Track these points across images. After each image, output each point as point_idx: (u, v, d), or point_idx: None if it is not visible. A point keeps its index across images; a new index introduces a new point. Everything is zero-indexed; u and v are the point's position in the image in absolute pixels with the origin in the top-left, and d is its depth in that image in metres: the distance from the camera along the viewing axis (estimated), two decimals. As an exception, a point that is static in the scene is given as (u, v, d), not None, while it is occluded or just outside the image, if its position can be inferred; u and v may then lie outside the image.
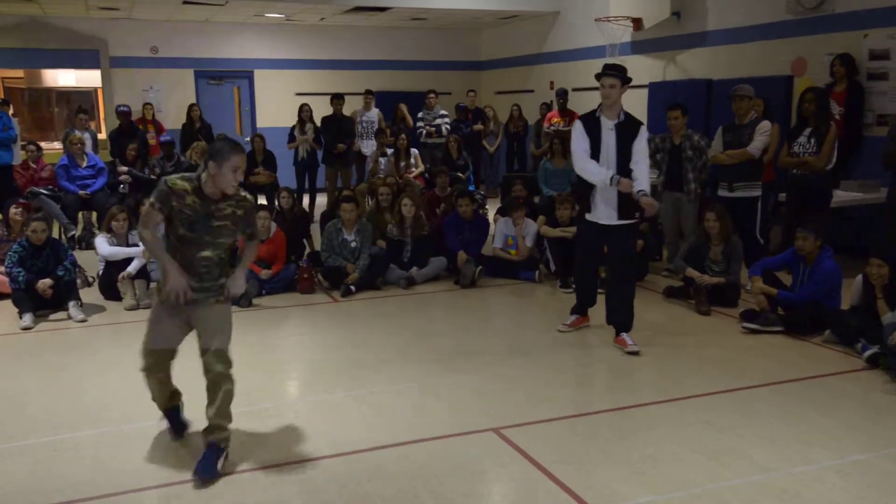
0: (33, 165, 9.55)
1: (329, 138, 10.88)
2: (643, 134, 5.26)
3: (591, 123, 5.24)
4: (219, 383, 3.61)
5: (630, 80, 5.27)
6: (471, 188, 10.07)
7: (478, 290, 7.25)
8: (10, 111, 10.70)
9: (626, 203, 5.19)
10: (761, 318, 5.76)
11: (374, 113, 11.62)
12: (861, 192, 7.52)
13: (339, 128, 10.93)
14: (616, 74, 5.17)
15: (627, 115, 5.28)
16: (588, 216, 5.37)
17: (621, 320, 5.49)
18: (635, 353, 5.26)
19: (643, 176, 5.18)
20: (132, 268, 6.64)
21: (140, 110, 12.30)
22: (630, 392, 4.58)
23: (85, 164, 9.59)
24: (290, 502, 3.32)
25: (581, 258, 5.75)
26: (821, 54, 8.42)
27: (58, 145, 13.06)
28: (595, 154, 5.19)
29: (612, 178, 5.10)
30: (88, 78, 15.11)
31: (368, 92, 11.80)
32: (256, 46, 14.58)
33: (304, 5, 12.43)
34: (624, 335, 5.43)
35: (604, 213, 5.27)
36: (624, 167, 5.15)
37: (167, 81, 14.12)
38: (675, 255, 7.17)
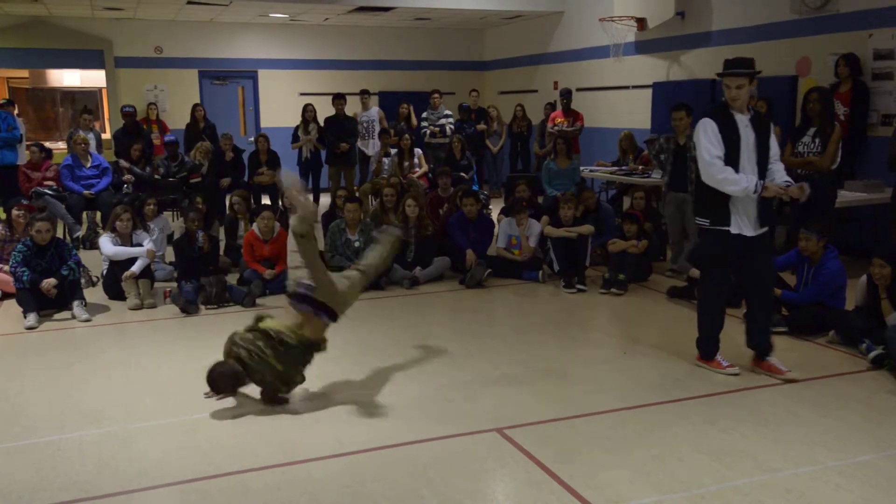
0: (41, 173, 9.56)
1: (332, 138, 10.89)
2: (772, 129, 4.74)
3: (726, 121, 4.56)
4: None
5: (759, 72, 4.62)
6: (474, 188, 10.06)
7: (481, 291, 7.24)
8: (15, 111, 10.72)
9: (768, 208, 4.66)
10: (765, 319, 5.74)
11: (374, 111, 11.61)
12: (865, 193, 7.51)
13: (341, 128, 10.95)
14: (743, 73, 4.51)
15: (752, 107, 4.72)
16: (730, 228, 4.61)
17: (767, 341, 4.88)
18: (793, 381, 4.69)
19: (781, 172, 4.65)
20: (136, 267, 6.65)
21: (144, 110, 12.35)
22: (634, 392, 4.58)
23: (89, 164, 9.61)
24: (294, 502, 3.32)
25: (717, 280, 4.88)
26: (825, 54, 8.41)
27: (62, 145, 13.10)
28: (734, 156, 4.52)
29: (756, 185, 4.46)
30: (93, 78, 15.16)
31: (364, 92, 11.78)
32: (260, 46, 14.60)
33: (309, 5, 12.44)
34: (774, 359, 4.84)
35: (746, 223, 4.61)
36: (763, 170, 4.60)
37: (171, 81, 14.16)
38: (679, 255, 7.17)
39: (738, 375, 4.80)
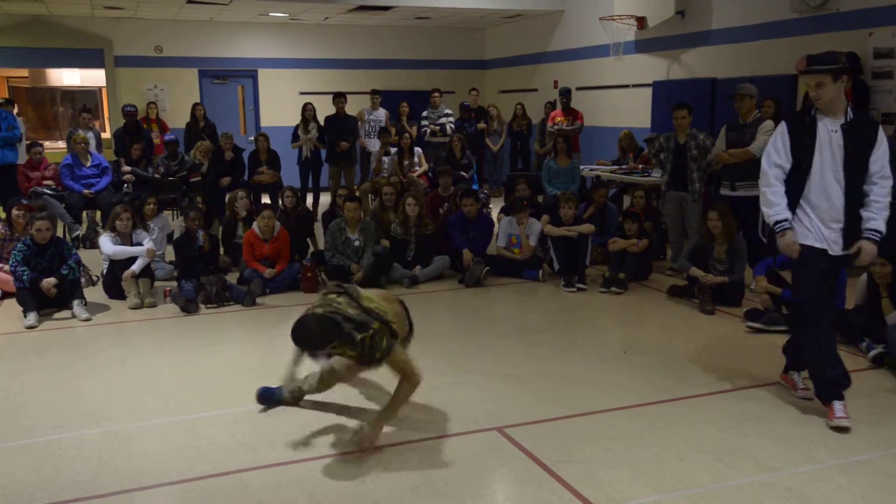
0: (40, 172, 9.55)
1: (332, 137, 10.88)
2: (883, 139, 3.99)
3: (803, 126, 4.00)
4: None
5: (846, 68, 4.04)
6: (474, 187, 10.06)
7: (481, 290, 7.24)
8: (15, 110, 10.72)
9: (857, 226, 3.97)
10: (765, 318, 5.75)
11: (381, 112, 11.66)
12: (866, 192, 7.49)
13: (341, 127, 10.94)
14: (822, 69, 3.91)
15: (857, 112, 4.08)
16: (807, 240, 4.03)
17: (798, 356, 4.42)
18: (807, 399, 4.34)
19: (880, 209, 3.92)
20: (136, 266, 6.65)
21: (144, 109, 12.34)
22: (634, 392, 4.57)
23: (89, 164, 9.60)
24: (294, 502, 3.32)
25: (807, 301, 4.15)
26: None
27: (62, 144, 13.10)
28: (804, 167, 3.95)
29: (779, 224, 3.96)
30: (93, 77, 15.16)
31: (375, 92, 11.83)
32: (260, 46, 14.60)
33: (308, 4, 12.43)
34: (797, 376, 4.47)
35: (831, 234, 4.01)
36: (857, 185, 3.95)
37: (171, 80, 14.15)
38: (679, 254, 7.16)
39: (849, 430, 3.99)
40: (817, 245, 4.00)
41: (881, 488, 3.39)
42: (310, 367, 4.27)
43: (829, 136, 3.95)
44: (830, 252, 4.01)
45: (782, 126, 4.08)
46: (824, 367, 4.06)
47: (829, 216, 3.98)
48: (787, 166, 4.01)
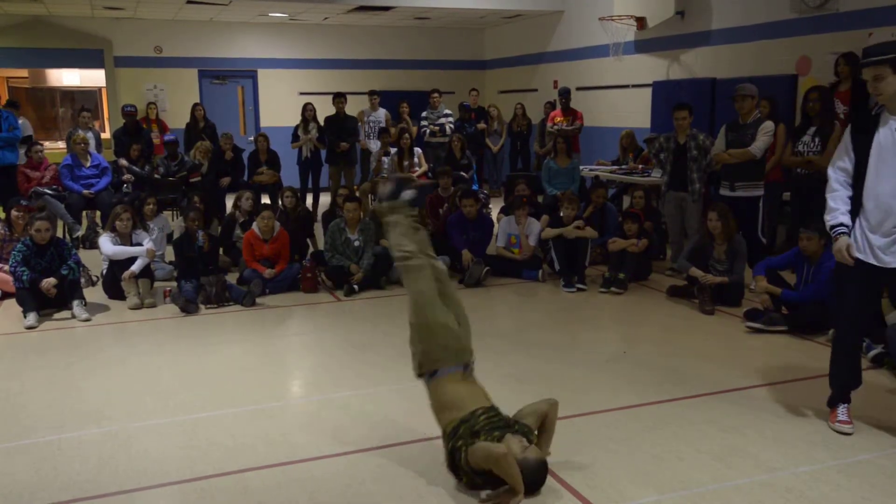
0: (41, 173, 9.56)
1: (332, 137, 10.89)
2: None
3: (863, 123, 3.78)
4: None
5: None
6: (474, 187, 10.06)
7: (481, 290, 7.24)
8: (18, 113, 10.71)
9: None
10: (765, 318, 5.74)
11: (381, 113, 11.67)
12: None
13: (341, 127, 10.94)
14: (879, 60, 3.57)
15: None
16: (857, 254, 3.75)
17: None
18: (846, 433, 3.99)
19: None
20: (136, 267, 6.64)
21: (144, 110, 12.34)
22: (634, 392, 4.57)
23: (89, 164, 9.60)
24: (294, 502, 3.32)
25: (839, 312, 4.04)
26: (825, 53, 8.40)
27: (62, 145, 13.09)
28: (861, 168, 3.70)
29: (836, 228, 3.75)
30: (93, 77, 15.16)
31: (373, 92, 11.83)
32: (260, 46, 14.60)
33: (308, 5, 12.44)
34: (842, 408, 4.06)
35: (879, 248, 3.72)
36: None
37: (171, 81, 14.16)
38: (679, 254, 7.16)
39: (850, 435, 3.94)
40: (860, 257, 3.75)
41: (881, 488, 3.39)
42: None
43: (891, 136, 3.62)
44: (882, 265, 3.73)
45: (848, 127, 3.84)
46: (849, 381, 4.02)
47: (888, 224, 3.67)
48: (850, 167, 3.76)
